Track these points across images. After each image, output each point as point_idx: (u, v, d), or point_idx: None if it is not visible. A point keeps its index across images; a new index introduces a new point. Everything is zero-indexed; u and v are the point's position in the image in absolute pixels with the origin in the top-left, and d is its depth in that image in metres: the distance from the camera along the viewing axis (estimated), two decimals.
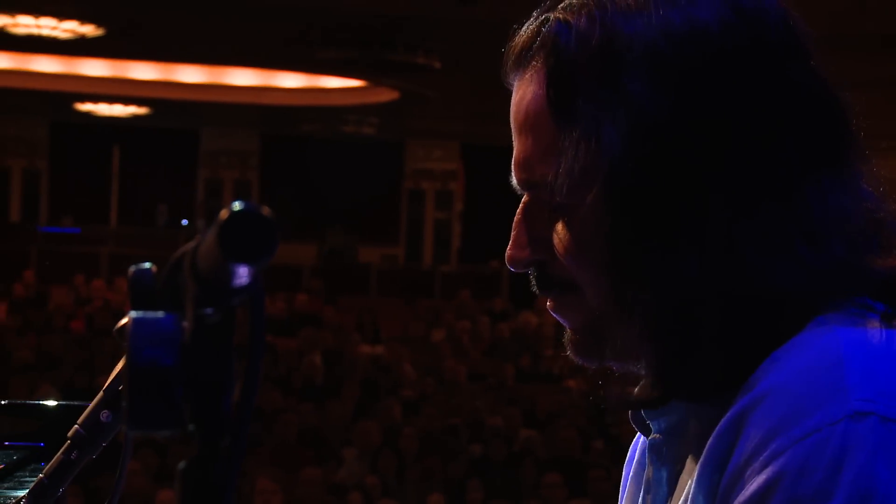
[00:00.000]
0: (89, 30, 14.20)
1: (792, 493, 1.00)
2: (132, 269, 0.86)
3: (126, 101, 19.53)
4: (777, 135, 1.13)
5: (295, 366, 11.84)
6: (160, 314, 0.80)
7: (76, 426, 1.38)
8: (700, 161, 1.12)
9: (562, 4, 1.20)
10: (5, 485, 1.76)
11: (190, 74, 18.35)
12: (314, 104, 19.02)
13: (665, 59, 1.13)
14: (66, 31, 14.22)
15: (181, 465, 0.78)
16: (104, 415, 1.35)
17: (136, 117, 20.42)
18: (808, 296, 1.10)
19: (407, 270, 20.31)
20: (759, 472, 1.02)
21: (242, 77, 18.44)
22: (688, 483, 1.14)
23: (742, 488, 1.03)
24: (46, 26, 14.03)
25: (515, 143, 1.23)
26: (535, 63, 1.20)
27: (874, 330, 1.09)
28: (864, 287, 1.12)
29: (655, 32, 1.13)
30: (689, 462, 1.17)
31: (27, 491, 1.44)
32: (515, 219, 1.24)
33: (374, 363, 12.42)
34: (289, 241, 19.27)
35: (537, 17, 1.22)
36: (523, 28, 1.23)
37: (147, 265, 0.87)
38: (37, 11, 13.57)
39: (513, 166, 1.24)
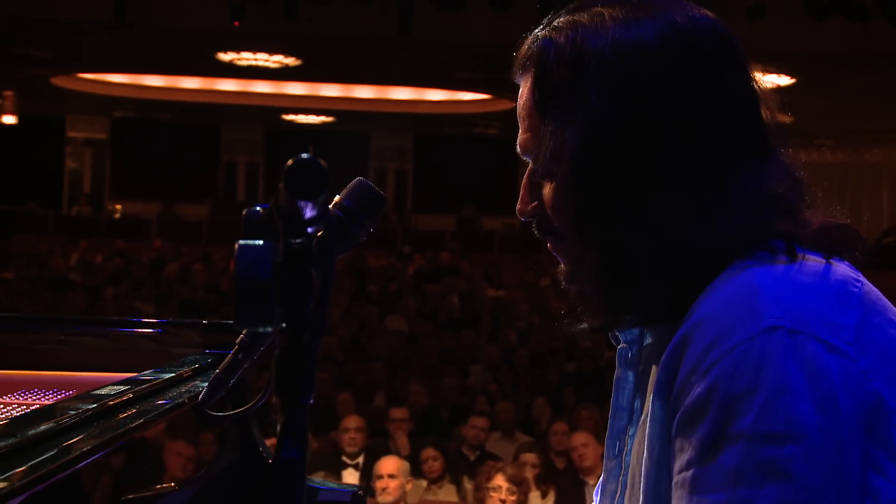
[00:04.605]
0: (291, 61, 14.45)
1: (727, 392, 0.98)
2: (245, 210, 0.85)
3: (318, 112, 19.80)
4: (703, 131, 1.08)
5: (439, 304, 11.91)
6: (259, 242, 0.79)
7: (241, 335, 1.38)
8: (640, 152, 1.08)
9: (553, 24, 1.17)
10: (198, 379, 1.80)
11: (363, 92, 18.49)
12: (453, 112, 19.00)
13: (615, 71, 1.09)
14: (275, 62, 14.48)
15: (274, 352, 0.77)
16: None
17: (324, 124, 20.67)
18: (726, 249, 1.07)
19: (522, 234, 20.16)
20: (701, 378, 1.00)
21: (401, 93, 18.51)
22: (649, 389, 1.13)
23: (690, 391, 1.01)
24: (261, 59, 14.32)
25: (520, 127, 1.21)
26: (529, 69, 1.18)
27: (780, 265, 1.05)
28: (767, 242, 1.08)
29: (610, 49, 1.10)
30: (652, 370, 1.15)
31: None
32: (522, 181, 1.21)
33: (497, 302, 12.40)
34: (434, 213, 19.34)
35: (536, 32, 1.19)
36: (527, 40, 1.20)
37: (258, 207, 0.86)
38: (254, 49, 13.87)
39: (517, 144, 1.21)
